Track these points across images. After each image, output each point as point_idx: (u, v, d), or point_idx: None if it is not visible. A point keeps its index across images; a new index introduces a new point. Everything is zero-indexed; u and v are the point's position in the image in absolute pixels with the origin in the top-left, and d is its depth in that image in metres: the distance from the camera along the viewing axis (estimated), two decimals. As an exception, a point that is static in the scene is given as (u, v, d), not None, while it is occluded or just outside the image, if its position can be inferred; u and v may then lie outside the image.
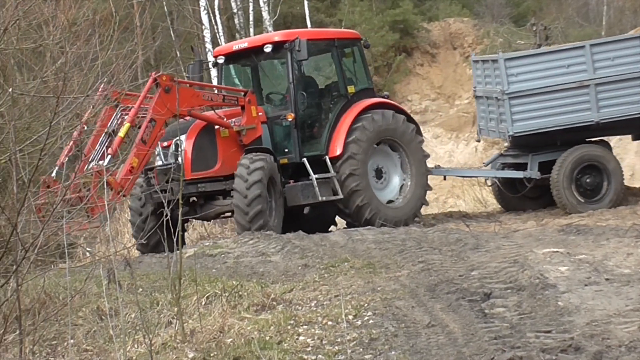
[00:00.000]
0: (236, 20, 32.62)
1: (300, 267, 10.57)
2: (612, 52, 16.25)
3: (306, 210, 15.75)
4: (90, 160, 12.17)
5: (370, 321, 7.82)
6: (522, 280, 8.79)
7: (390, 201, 15.56)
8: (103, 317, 8.02)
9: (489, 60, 17.53)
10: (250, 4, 32.38)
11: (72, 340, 7.38)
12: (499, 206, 18.06)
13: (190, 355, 7.09)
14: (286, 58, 15.03)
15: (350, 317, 7.94)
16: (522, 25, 36.97)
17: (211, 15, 31.13)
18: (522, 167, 16.94)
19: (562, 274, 8.95)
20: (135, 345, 7.39)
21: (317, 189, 14.51)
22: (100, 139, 12.72)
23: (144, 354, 7.02)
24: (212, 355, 7.10)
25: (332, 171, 14.81)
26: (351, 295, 8.68)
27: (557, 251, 10.05)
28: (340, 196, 14.74)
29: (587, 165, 16.16)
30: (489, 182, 18.04)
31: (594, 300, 8.04)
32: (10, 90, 8.35)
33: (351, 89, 15.59)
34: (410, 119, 16.13)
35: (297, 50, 14.63)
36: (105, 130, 12.68)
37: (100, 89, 11.37)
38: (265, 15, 31.84)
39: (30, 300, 7.76)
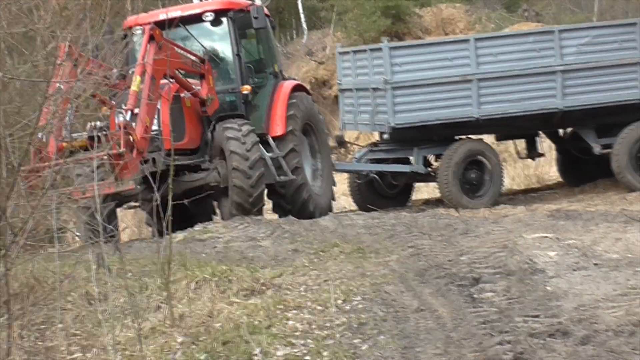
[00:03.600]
0: (227, 5, 32.52)
1: (289, 252, 10.58)
2: (496, 47, 16.20)
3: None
4: (66, 124, 11.75)
5: (360, 306, 7.84)
6: (511, 265, 8.82)
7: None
8: (92, 301, 8.02)
9: (366, 49, 17.24)
10: (242, -11, 32.27)
11: (60, 325, 7.38)
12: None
13: (179, 339, 7.10)
14: (229, 28, 14.29)
15: (340, 301, 7.96)
16: (514, 11, 36.98)
17: (202, -1, 31.04)
18: (398, 162, 16.79)
19: (551, 259, 8.98)
20: (124, 330, 7.39)
21: (272, 168, 13.76)
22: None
23: (133, 339, 7.02)
24: (201, 339, 7.11)
25: (277, 150, 14.03)
26: (340, 280, 8.70)
27: (546, 236, 10.09)
28: (293, 176, 13.95)
29: (471, 161, 16.06)
30: (359, 179, 17.30)
31: (582, 285, 8.08)
32: (1, 74, 8.32)
33: (276, 67, 15.01)
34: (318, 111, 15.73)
35: (254, 17, 13.96)
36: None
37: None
38: (257, 0, 31.77)
39: (19, 284, 7.75)
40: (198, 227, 12.74)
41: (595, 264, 8.78)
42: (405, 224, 11.87)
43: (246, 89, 14.25)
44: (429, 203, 17.67)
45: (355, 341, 7.03)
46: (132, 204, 13.66)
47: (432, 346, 6.80)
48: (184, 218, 13.87)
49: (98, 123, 11.89)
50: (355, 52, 17.56)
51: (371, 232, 11.52)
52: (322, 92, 31.17)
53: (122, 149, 11.49)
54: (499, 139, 18.25)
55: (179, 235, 12.00)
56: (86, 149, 11.67)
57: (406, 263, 9.34)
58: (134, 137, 11.67)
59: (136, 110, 12.05)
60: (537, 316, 7.30)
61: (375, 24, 31.76)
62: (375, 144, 17.45)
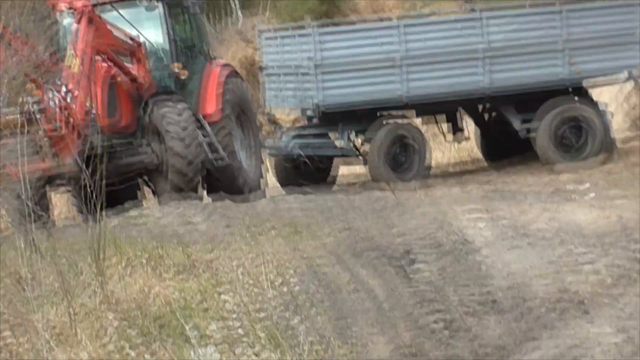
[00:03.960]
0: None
1: (225, 234, 10.50)
2: (424, 33, 16.40)
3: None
4: None
5: (295, 285, 7.82)
6: (445, 244, 8.89)
7: None
8: (22, 283, 7.85)
9: (290, 29, 17.22)
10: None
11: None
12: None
13: (113, 320, 7.01)
14: (163, 11, 14.08)
15: (275, 281, 7.93)
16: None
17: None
18: (324, 142, 16.79)
19: (485, 237, 9.06)
20: (56, 311, 7.25)
21: (207, 151, 13.54)
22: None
23: (65, 321, 6.91)
24: (135, 320, 7.03)
25: (211, 133, 13.80)
26: (276, 260, 8.66)
27: (481, 216, 10.17)
28: (229, 161, 13.75)
29: (399, 142, 16.20)
30: (286, 161, 16.98)
31: (516, 263, 8.16)
32: None
33: (205, 48, 14.85)
34: None
35: (192, 1, 14.05)
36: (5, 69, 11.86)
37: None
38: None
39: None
40: (133, 211, 12.56)
41: (528, 243, 8.88)
42: (342, 205, 11.86)
43: (180, 70, 14.19)
44: (364, 184, 17.73)
45: (292, 321, 7.02)
46: (64, 187, 13.45)
47: (367, 324, 6.83)
48: (110, 199, 13.74)
49: (30, 98, 11.66)
50: (278, 30, 17.55)
51: (307, 214, 11.48)
52: (252, 70, 30.98)
53: (64, 131, 11.37)
54: (426, 120, 18.45)
55: (114, 220, 11.83)
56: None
57: (342, 243, 9.34)
58: (74, 118, 11.54)
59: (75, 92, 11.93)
60: (471, 294, 7.36)
61: (305, 5, 31.65)
62: (303, 127, 17.47)
